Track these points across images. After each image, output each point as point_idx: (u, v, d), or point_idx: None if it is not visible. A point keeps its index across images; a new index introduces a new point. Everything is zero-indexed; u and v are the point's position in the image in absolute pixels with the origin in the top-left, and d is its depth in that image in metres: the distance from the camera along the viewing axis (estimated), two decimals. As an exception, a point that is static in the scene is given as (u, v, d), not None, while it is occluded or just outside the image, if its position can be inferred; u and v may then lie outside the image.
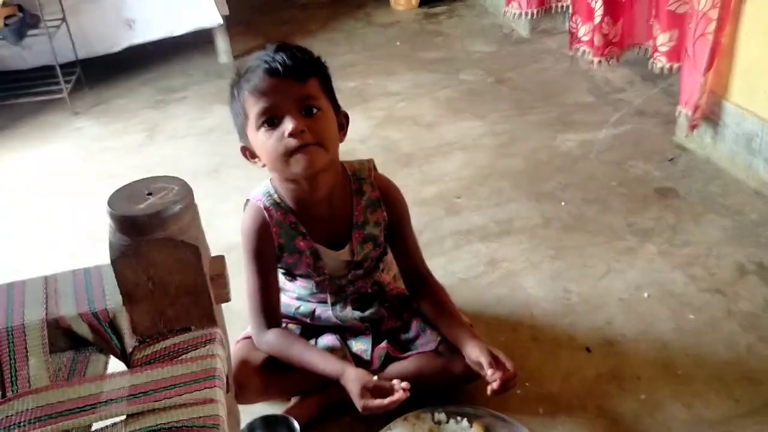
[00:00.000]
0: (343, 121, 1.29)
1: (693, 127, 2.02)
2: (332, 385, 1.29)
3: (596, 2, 2.28)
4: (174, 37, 3.13)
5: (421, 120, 2.50)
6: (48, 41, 2.71)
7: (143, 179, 0.83)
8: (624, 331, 1.50)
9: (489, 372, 1.22)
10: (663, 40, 2.12)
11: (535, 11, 2.80)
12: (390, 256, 1.46)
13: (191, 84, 3.05)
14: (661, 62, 2.15)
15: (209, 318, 0.83)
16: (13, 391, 0.74)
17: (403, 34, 3.34)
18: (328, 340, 1.38)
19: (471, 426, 1.28)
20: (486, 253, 1.78)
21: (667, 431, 1.27)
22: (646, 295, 1.59)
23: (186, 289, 0.80)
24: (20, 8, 2.75)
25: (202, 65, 3.23)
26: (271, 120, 1.19)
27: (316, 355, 1.30)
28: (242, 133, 1.27)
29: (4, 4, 2.66)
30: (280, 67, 1.17)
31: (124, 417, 0.72)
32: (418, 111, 2.57)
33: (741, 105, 1.92)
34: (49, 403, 0.73)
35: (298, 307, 1.42)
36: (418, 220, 1.89)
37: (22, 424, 0.71)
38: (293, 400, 1.35)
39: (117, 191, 0.80)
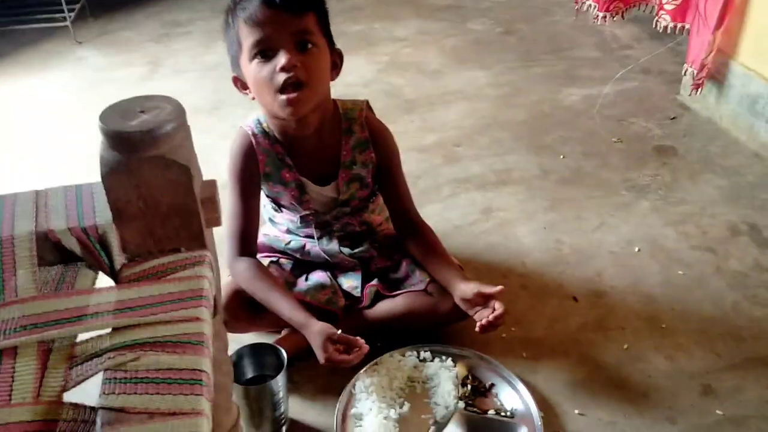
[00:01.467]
0: (336, 60, 1.27)
1: (697, 86, 2.00)
2: (325, 318, 1.30)
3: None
4: (181, -30, 3.09)
5: (425, 67, 2.48)
6: (52, -34, 2.67)
7: (136, 97, 0.82)
8: (613, 283, 1.52)
9: (476, 315, 1.24)
10: None
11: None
12: (381, 199, 1.46)
13: (196, 19, 3.02)
14: (665, 20, 2.12)
15: (199, 240, 0.83)
16: (0, 298, 0.75)
17: (413, -21, 3.29)
18: (318, 276, 1.40)
19: (455, 365, 1.31)
20: (482, 202, 1.78)
21: (647, 380, 1.30)
22: (637, 249, 1.60)
23: (177, 209, 0.80)
24: (24, -69, 2.70)
25: (208, 0, 3.18)
26: (264, 52, 1.17)
27: (282, 301, 1.28)
28: (235, 63, 1.25)
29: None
30: None
31: (109, 330, 0.73)
32: (423, 58, 2.54)
33: (749, 66, 1.90)
34: (35, 313, 0.74)
35: (289, 242, 1.43)
36: (416, 166, 1.90)
37: (7, 332, 0.72)
38: (284, 332, 1.37)
39: (109, 107, 0.80)
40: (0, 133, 2.23)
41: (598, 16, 2.33)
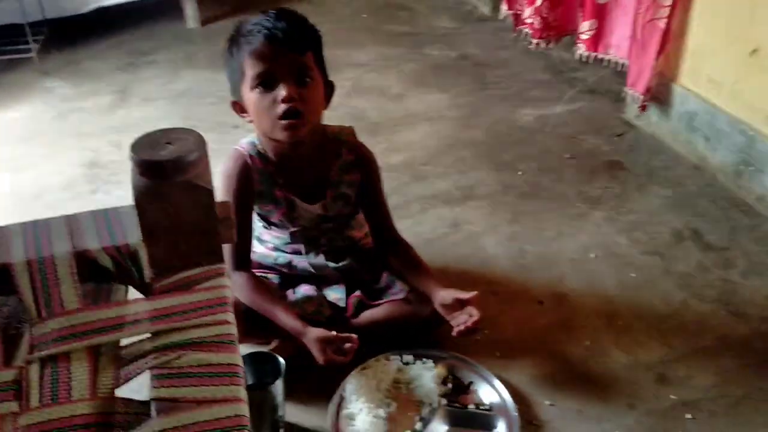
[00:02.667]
0: (328, 90, 1.41)
1: (643, 108, 2.18)
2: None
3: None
4: (141, 1, 3.16)
5: (387, 91, 2.62)
6: None
7: (158, 130, 0.92)
8: (573, 286, 1.66)
9: (454, 321, 1.36)
10: (584, 28, 2.30)
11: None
12: (361, 216, 1.58)
13: (160, 48, 3.09)
14: (581, 49, 2.31)
15: (218, 254, 0.94)
16: (47, 312, 0.84)
17: (368, 6, 3.43)
18: (305, 289, 1.50)
19: (435, 366, 1.43)
20: (449, 217, 1.91)
21: (608, 372, 1.44)
22: (593, 255, 1.75)
23: (199, 228, 0.90)
24: (-11, -35, 2.75)
25: (170, 30, 3.26)
26: (266, 83, 1.30)
27: (280, 311, 1.37)
28: (236, 89, 1.37)
29: (-27, -39, 2.66)
30: (280, 36, 1.27)
31: (149, 335, 0.83)
32: (385, 82, 2.68)
33: (686, 86, 2.09)
34: (81, 323, 0.83)
35: (276, 258, 1.54)
36: (386, 185, 1.98)
37: (58, 339, 0.81)
38: (273, 343, 1.47)
39: (137, 140, 0.90)
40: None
41: (532, 42, 2.52)
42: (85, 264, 0.90)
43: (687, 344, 1.50)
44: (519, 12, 2.61)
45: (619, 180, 2.04)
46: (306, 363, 1.35)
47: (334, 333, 1.33)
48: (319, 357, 1.32)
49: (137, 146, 0.89)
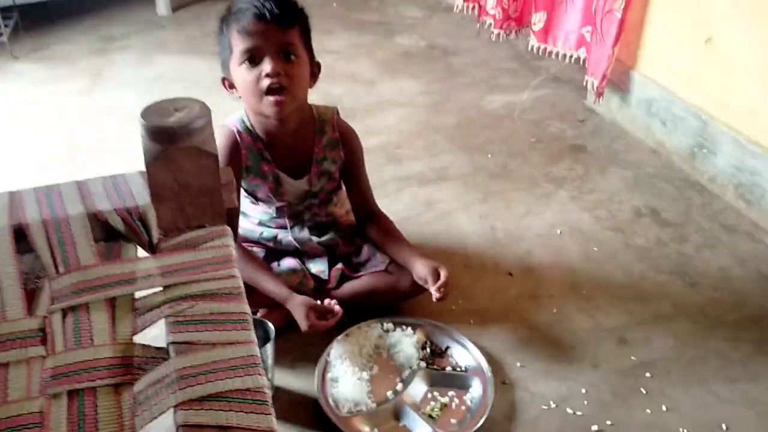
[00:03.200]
0: (315, 70, 1.47)
1: (599, 94, 2.29)
2: None
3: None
4: (112, -14, 3.18)
5: (360, 77, 2.69)
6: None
7: (165, 99, 0.98)
8: (540, 260, 1.76)
9: (434, 286, 1.44)
10: (535, 19, 2.42)
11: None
12: (343, 193, 1.66)
13: (132, 33, 3.11)
14: (533, 41, 2.43)
15: (221, 217, 1.00)
16: (64, 268, 0.90)
17: (339, -4, 3.51)
18: (289, 262, 1.57)
19: (414, 333, 1.51)
20: (423, 196, 2.00)
21: (574, 336, 1.54)
22: (558, 231, 1.86)
23: (204, 191, 0.97)
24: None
25: (141, 15, 3.28)
26: (252, 58, 1.36)
27: (268, 279, 1.45)
28: (225, 66, 1.43)
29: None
30: (267, 14, 1.34)
31: (161, 288, 0.89)
32: (357, 69, 2.76)
33: (645, 74, 2.21)
34: (97, 277, 0.89)
35: (262, 233, 1.60)
36: (362, 166, 2.09)
37: (76, 292, 0.87)
38: (260, 312, 1.54)
39: (146, 108, 0.96)
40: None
41: (493, 32, 2.62)
42: (96, 225, 0.96)
43: (646, 311, 1.61)
44: (482, 4, 2.70)
45: (582, 162, 2.16)
46: (291, 330, 1.42)
47: (319, 302, 1.40)
48: (302, 323, 1.39)
49: (146, 113, 0.95)
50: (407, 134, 2.31)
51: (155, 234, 0.97)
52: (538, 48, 2.46)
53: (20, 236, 0.93)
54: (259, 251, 1.59)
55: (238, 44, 1.37)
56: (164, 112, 0.96)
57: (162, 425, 0.74)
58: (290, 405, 1.38)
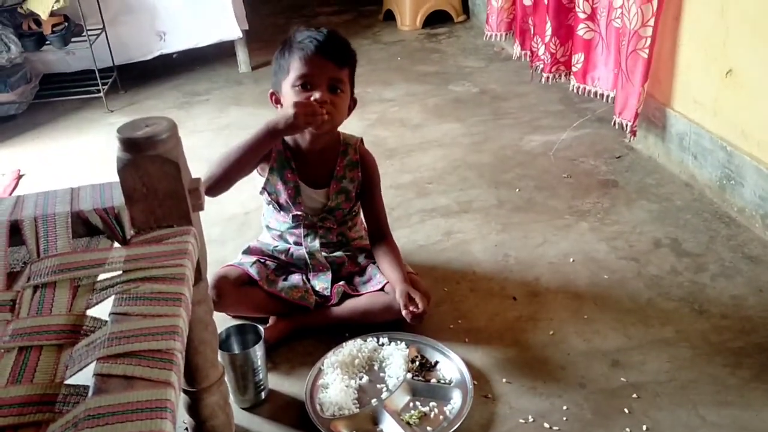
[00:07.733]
0: (351, 104, 1.69)
1: (633, 132, 2.30)
2: (301, 313, 1.64)
3: (548, 24, 2.60)
4: (199, 48, 3.52)
5: (408, 122, 2.83)
6: (89, 48, 3.12)
7: (141, 118, 1.17)
8: (547, 286, 1.79)
9: (403, 309, 1.55)
10: (574, 61, 2.49)
11: (503, 34, 3.14)
12: (359, 220, 1.79)
13: (213, 89, 3.43)
14: (573, 82, 2.48)
15: (186, 219, 1.15)
16: (44, 254, 1.07)
17: (404, 51, 3.70)
18: (294, 279, 1.71)
19: (407, 348, 1.59)
20: (444, 227, 2.08)
21: (566, 357, 1.56)
22: (571, 260, 1.88)
23: (170, 194, 1.13)
24: (66, 18, 3.17)
25: (223, 74, 3.60)
26: (305, 84, 1.57)
27: (242, 141, 1.56)
28: (277, 82, 1.64)
29: (52, 14, 3.07)
30: (329, 52, 1.56)
31: (121, 272, 1.04)
32: (407, 115, 2.90)
33: (677, 109, 2.21)
34: (69, 262, 1.05)
35: (276, 246, 1.75)
36: (392, 200, 2.22)
37: (49, 273, 1.04)
38: (270, 321, 1.66)
39: (123, 125, 1.14)
40: (47, 185, 2.60)
41: (542, 77, 2.70)
42: (79, 222, 1.13)
43: (645, 335, 1.60)
44: (534, 50, 2.80)
45: (610, 196, 2.17)
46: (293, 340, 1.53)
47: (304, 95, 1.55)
48: (290, 113, 1.50)
49: (122, 129, 1.13)
50: (440, 171, 2.41)
51: (128, 230, 1.13)
52: (581, 89, 2.51)
53: (18, 231, 1.11)
54: (271, 264, 1.74)
55: (296, 69, 1.57)
56: (136, 127, 1.14)
57: (89, 379, 0.87)
58: (281, 406, 1.49)
